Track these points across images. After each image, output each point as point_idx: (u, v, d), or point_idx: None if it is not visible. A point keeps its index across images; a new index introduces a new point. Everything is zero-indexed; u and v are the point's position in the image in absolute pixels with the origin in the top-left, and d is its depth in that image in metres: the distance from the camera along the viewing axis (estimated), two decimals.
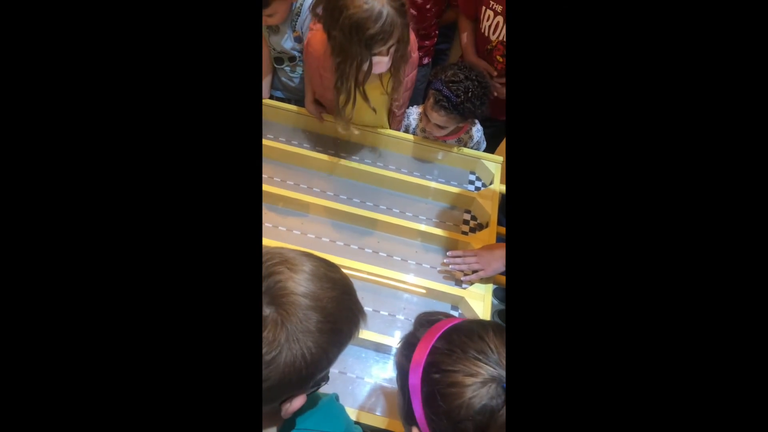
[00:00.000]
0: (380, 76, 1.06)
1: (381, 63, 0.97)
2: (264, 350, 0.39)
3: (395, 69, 1.03)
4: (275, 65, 1.27)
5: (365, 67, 0.95)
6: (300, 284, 0.42)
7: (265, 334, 0.39)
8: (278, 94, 1.35)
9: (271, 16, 1.10)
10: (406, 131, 1.30)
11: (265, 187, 1.09)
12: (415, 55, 1.09)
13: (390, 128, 1.26)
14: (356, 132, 1.16)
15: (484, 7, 1.19)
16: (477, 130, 1.25)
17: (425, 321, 0.53)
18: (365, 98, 1.04)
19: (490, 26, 1.20)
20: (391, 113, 1.22)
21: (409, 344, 0.50)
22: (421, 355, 0.47)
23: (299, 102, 1.28)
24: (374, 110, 1.11)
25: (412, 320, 0.57)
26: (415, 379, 0.46)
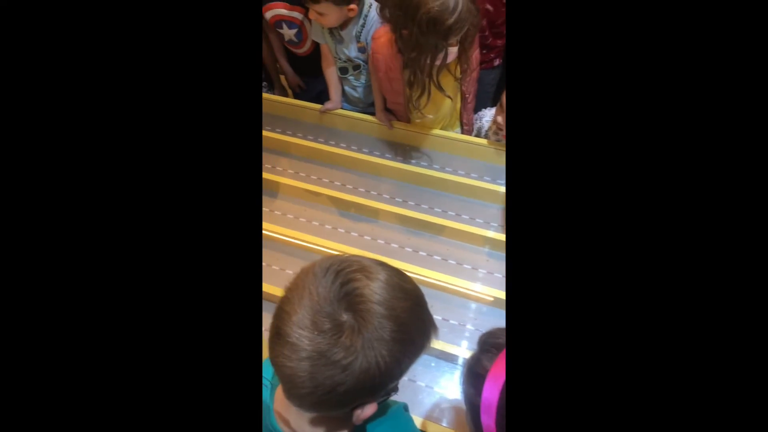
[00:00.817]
0: (448, 63, 1.06)
1: (452, 52, 1.00)
2: (341, 355, 0.39)
3: (463, 52, 1.04)
4: (340, 75, 1.30)
5: (441, 57, 0.97)
6: (375, 292, 0.42)
7: (342, 339, 0.40)
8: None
9: (322, 15, 1.09)
10: (478, 134, 1.28)
11: (338, 194, 1.13)
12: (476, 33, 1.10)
13: (462, 118, 1.25)
14: (430, 116, 1.18)
15: None
16: None
17: (490, 345, 0.49)
18: (440, 88, 1.05)
19: None
20: (463, 100, 1.21)
21: (475, 375, 0.47)
22: (492, 394, 0.44)
23: (363, 112, 1.31)
24: (450, 97, 1.12)
25: (481, 331, 0.55)
26: (488, 420, 0.44)
